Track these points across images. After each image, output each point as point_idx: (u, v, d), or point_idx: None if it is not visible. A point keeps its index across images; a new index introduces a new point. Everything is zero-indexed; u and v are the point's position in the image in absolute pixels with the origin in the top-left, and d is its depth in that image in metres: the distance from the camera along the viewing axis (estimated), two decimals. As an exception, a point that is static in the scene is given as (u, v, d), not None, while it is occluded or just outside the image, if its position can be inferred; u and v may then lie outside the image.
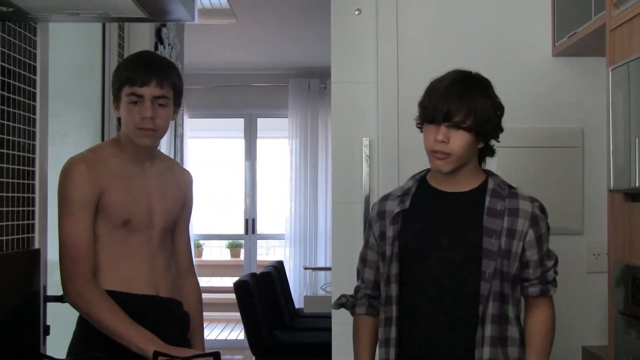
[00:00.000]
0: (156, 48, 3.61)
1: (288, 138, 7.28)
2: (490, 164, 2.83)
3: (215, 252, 9.24)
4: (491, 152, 2.16)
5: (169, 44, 3.88)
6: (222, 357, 2.00)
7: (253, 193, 7.55)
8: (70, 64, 2.85)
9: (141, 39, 3.33)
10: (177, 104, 2.27)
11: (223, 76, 7.31)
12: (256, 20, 5.66)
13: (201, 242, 8.56)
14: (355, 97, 2.96)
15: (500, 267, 2.04)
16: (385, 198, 2.23)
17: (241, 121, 7.57)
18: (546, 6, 2.88)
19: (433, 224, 2.12)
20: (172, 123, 4.20)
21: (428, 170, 2.18)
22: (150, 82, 2.15)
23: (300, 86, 7.28)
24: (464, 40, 2.88)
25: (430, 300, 2.09)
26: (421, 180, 2.19)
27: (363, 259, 2.27)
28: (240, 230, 7.68)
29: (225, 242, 8.96)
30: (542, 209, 2.12)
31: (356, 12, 2.94)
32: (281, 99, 7.27)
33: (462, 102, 2.02)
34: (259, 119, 7.56)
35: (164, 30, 3.79)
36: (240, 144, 7.56)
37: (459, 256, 2.07)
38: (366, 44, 2.94)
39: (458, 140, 2.03)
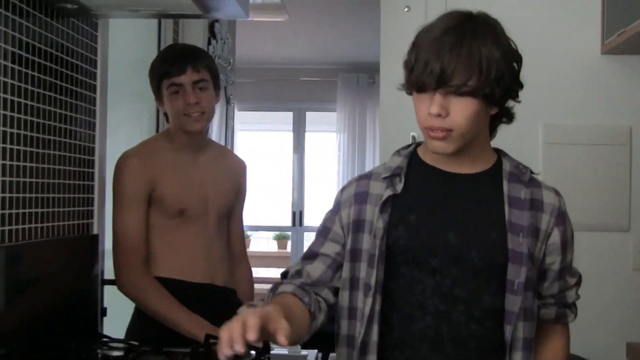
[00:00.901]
0: (209, 43, 3.70)
1: (336, 132, 7.34)
2: (536, 161, 2.88)
3: (262, 243, 9.34)
4: (508, 116, 1.60)
5: (221, 39, 3.97)
6: (270, 345, 2.07)
7: (301, 186, 7.62)
8: (127, 59, 2.95)
9: (195, 33, 3.42)
10: (217, 86, 2.33)
11: (273, 70, 7.39)
12: (307, 16, 5.72)
13: (249, 233, 8.67)
14: (403, 93, 2.99)
15: (531, 276, 1.55)
16: (366, 177, 1.64)
17: (290, 115, 7.65)
18: (596, 4, 2.88)
19: (434, 214, 1.56)
20: (222, 115, 4.30)
21: (419, 144, 1.66)
22: (186, 69, 2.22)
23: (348, 81, 7.33)
24: (513, 37, 2.90)
25: (433, 316, 1.53)
26: (412, 156, 1.63)
27: (311, 253, 1.63)
28: (288, 222, 7.78)
29: (272, 234, 9.05)
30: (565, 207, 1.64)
31: (405, 9, 2.98)
32: (330, 93, 7.33)
33: (460, 56, 1.44)
34: (307, 113, 7.63)
35: (217, 25, 3.87)
36: (289, 137, 7.64)
37: (473, 257, 1.53)
38: (415, 40, 2.97)
39: (460, 110, 1.46)
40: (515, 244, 1.52)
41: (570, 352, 2.88)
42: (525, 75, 2.80)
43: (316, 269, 1.59)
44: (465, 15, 1.52)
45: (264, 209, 7.96)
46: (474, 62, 1.44)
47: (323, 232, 1.63)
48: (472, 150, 1.56)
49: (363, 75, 7.32)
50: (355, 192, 1.62)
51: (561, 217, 1.59)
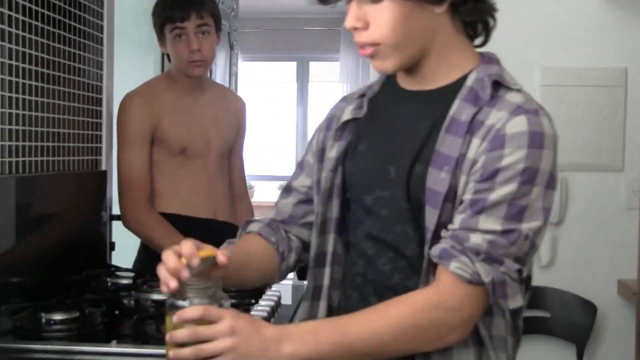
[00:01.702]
0: (213, -12, 3.72)
1: (340, 82, 7.36)
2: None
3: (267, 193, 9.42)
4: (477, 13, 1.29)
5: (224, -15, 3.99)
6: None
7: (304, 136, 7.67)
8: (131, 9, 2.99)
9: (198, -21, 3.44)
10: (218, 28, 2.38)
11: (276, 20, 7.39)
12: (310, -37, 5.70)
13: (252, 183, 8.73)
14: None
15: (447, 221, 1.25)
16: (344, 99, 1.49)
17: (294, 65, 7.66)
18: (595, -54, 2.91)
19: (382, 143, 1.35)
20: (227, 61, 4.34)
21: None
22: (190, 15, 2.27)
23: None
24: (511, -19, 2.94)
25: (364, 261, 1.36)
26: (390, 76, 1.41)
27: (287, 186, 1.51)
28: (292, 171, 7.84)
29: (276, 184, 9.12)
30: (535, 133, 1.21)
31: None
32: (333, 43, 7.33)
33: None
34: (311, 63, 7.64)
35: (220, -29, 3.89)
36: (292, 88, 7.67)
37: (400, 197, 1.30)
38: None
39: (379, 18, 1.24)
40: (434, 180, 1.25)
41: (563, 290, 2.98)
42: (522, 18, 2.87)
43: (286, 205, 1.48)
44: None
45: (268, 159, 8.02)
46: None
47: (301, 162, 1.51)
48: (431, 63, 1.30)
49: (366, 25, 7.32)
50: (328, 116, 1.48)
51: (497, 141, 1.21)
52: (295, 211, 1.47)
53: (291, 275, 1.76)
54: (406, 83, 1.36)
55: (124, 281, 2.06)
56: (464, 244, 1.21)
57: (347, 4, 1.27)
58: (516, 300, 1.23)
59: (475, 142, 1.23)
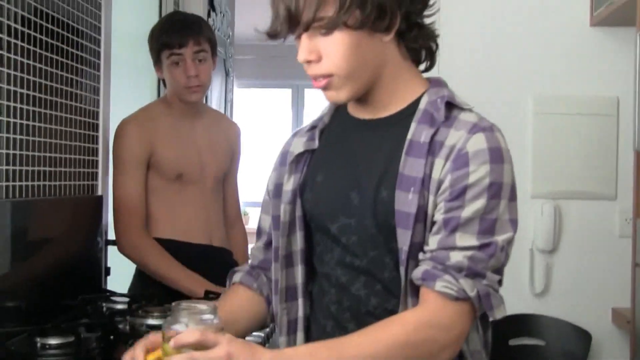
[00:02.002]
0: (209, 15, 3.76)
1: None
2: (525, 131, 2.95)
3: (261, 220, 9.41)
4: (424, 36, 1.33)
5: (220, 12, 4.03)
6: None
7: (299, 163, 7.70)
8: (128, 32, 3.00)
9: (195, 6, 3.48)
10: (214, 54, 2.40)
11: (271, 47, 7.43)
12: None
13: (247, 209, 8.71)
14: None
15: (421, 241, 1.27)
16: (294, 134, 1.50)
17: (289, 92, 7.70)
18: (586, -24, 2.96)
19: (341, 172, 1.36)
20: (222, 88, 4.37)
21: None
22: (187, 42, 2.28)
23: (347, 58, 7.38)
24: (504, 9, 2.97)
25: (336, 289, 1.36)
26: (340, 106, 1.43)
27: (258, 229, 1.52)
28: (286, 198, 7.85)
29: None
30: (494, 149, 1.25)
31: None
32: (328, 70, 7.38)
33: None
34: (306, 90, 7.68)
35: (217, -2, 3.94)
36: (288, 114, 7.70)
37: (367, 222, 1.31)
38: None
39: (332, 49, 1.25)
40: (402, 202, 1.26)
41: (557, 318, 2.99)
42: (516, 47, 2.91)
43: (258, 250, 1.51)
44: None
45: (263, 185, 8.04)
46: None
47: (263, 204, 1.50)
48: (382, 91, 1.33)
49: (361, 53, 7.37)
50: (282, 152, 1.49)
51: (461, 160, 1.24)
52: (267, 254, 1.49)
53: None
54: (358, 112, 1.38)
55: (119, 306, 2.06)
56: (445, 263, 1.23)
57: (297, 38, 1.29)
58: (501, 310, 1.26)
59: (439, 162, 1.26)
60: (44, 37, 2.00)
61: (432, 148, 1.27)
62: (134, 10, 3.14)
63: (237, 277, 1.49)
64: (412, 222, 1.25)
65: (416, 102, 1.33)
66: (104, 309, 2.06)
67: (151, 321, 1.81)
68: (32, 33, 1.94)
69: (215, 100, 4.12)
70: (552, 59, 2.94)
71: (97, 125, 2.38)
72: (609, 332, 2.91)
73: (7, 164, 1.84)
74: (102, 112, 2.40)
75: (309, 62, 1.28)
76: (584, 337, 2.84)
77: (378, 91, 1.33)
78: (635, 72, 2.38)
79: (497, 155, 1.25)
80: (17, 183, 1.89)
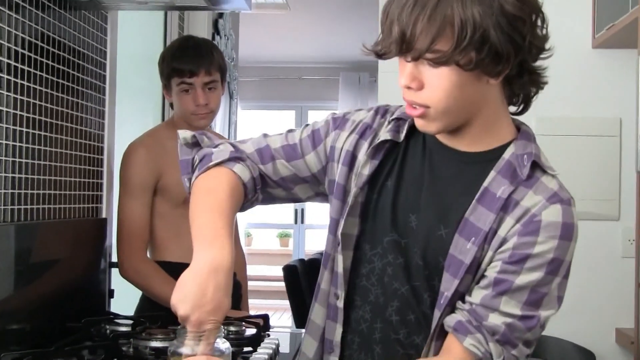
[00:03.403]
0: (213, 38, 3.79)
1: (338, 130, 7.40)
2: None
3: (264, 241, 9.40)
4: (533, 84, 1.29)
5: (225, 35, 4.06)
6: (269, 323, 2.14)
7: (303, 184, 7.71)
8: (132, 56, 3.02)
9: (200, 30, 3.51)
10: (224, 79, 2.40)
11: (275, 69, 7.48)
12: (308, 12, 5.81)
13: (251, 231, 8.72)
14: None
15: (465, 290, 1.26)
16: (380, 112, 1.44)
17: (292, 113, 7.74)
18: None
19: (410, 187, 1.33)
20: (226, 110, 4.39)
21: None
22: (199, 72, 2.26)
23: (350, 79, 7.43)
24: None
25: (371, 307, 1.34)
26: None
27: (292, 148, 1.44)
28: (290, 219, 7.86)
29: (275, 232, 9.11)
30: (567, 225, 1.23)
31: (403, 5, 3.07)
32: (332, 92, 7.43)
33: (423, 14, 1.15)
34: (309, 111, 7.72)
35: (221, 21, 3.97)
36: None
37: (416, 250, 1.30)
38: (412, 35, 3.07)
39: (435, 83, 1.20)
40: (459, 249, 1.24)
41: (561, 338, 2.98)
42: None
43: (283, 167, 1.43)
44: None
45: (266, 207, 8.07)
46: (442, 20, 1.15)
47: (314, 134, 1.43)
48: (472, 129, 1.29)
49: (364, 74, 7.41)
50: (365, 122, 1.41)
51: (532, 226, 1.21)
52: (289, 179, 1.44)
53: (289, 322, 1.77)
54: (442, 136, 1.34)
55: (123, 328, 2.05)
56: (481, 322, 1.23)
57: (404, 60, 1.23)
58: None
59: (509, 221, 1.24)
60: (49, 62, 2.02)
61: (506, 204, 1.24)
62: (138, 34, 3.16)
63: (231, 165, 1.41)
64: (463, 272, 1.23)
65: (501, 149, 1.29)
66: (108, 331, 2.06)
67: (155, 344, 1.81)
68: (38, 57, 1.96)
69: (219, 122, 4.14)
70: (555, 80, 2.89)
71: (102, 148, 2.40)
72: (612, 353, 2.90)
73: (13, 187, 1.85)
74: (107, 135, 2.42)
75: (409, 87, 1.23)
76: (587, 358, 2.83)
77: (468, 127, 1.29)
78: (637, 93, 2.39)
79: (568, 232, 1.23)
80: (22, 206, 1.90)
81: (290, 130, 1.47)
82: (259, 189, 1.44)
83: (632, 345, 2.63)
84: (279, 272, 5.27)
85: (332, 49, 7.00)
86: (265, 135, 1.48)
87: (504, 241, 1.23)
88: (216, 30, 3.88)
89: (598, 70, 2.96)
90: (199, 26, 3.52)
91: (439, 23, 1.14)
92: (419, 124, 1.27)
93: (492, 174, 1.26)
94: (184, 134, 1.49)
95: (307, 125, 1.47)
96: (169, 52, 2.35)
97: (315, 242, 9.17)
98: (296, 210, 7.84)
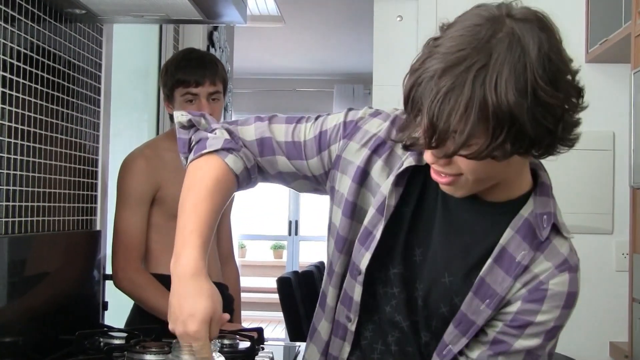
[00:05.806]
0: (208, 50, 3.80)
1: (332, 142, 7.42)
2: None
3: (258, 253, 9.39)
4: (567, 143, 1.20)
5: (219, 47, 4.07)
6: (263, 336, 2.14)
7: (296, 196, 7.72)
8: (127, 69, 3.03)
9: (195, 42, 3.52)
10: (225, 92, 2.42)
11: (269, 81, 7.50)
12: (303, 25, 5.84)
13: (245, 242, 8.72)
14: (395, 100, 3.10)
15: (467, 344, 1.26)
16: (397, 124, 1.29)
17: (286, 125, 7.74)
18: (580, 14, 3.00)
19: (420, 220, 1.28)
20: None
21: None
22: (204, 82, 2.28)
23: (344, 92, 7.44)
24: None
25: (372, 333, 1.35)
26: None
27: (296, 143, 1.36)
28: (283, 231, 7.86)
29: (268, 244, 9.11)
30: (571, 295, 1.23)
31: (398, 19, 3.09)
32: (326, 104, 7.43)
33: (456, 109, 1.04)
34: (303, 124, 7.73)
35: (215, 34, 3.98)
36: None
37: (417, 288, 1.28)
38: (407, 48, 3.09)
39: (467, 163, 1.12)
40: (472, 309, 1.22)
41: (556, 352, 2.98)
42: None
43: (283, 164, 1.37)
44: (487, 28, 1.07)
45: (260, 218, 8.05)
46: (476, 116, 1.04)
47: (321, 137, 1.34)
48: (496, 189, 1.23)
49: (359, 86, 7.43)
50: (379, 135, 1.30)
51: (538, 294, 1.21)
52: (288, 175, 1.39)
53: (283, 335, 1.77)
54: None
55: (117, 341, 2.05)
56: None
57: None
58: None
59: (516, 284, 1.22)
60: (45, 74, 2.03)
61: (520, 270, 1.22)
62: (134, 46, 3.17)
63: (228, 158, 1.37)
64: (474, 332, 1.23)
65: (518, 201, 1.24)
66: (102, 344, 2.05)
67: (149, 357, 1.81)
68: (33, 70, 1.96)
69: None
70: (548, 94, 2.97)
71: (97, 160, 2.40)
72: (607, 367, 2.91)
73: (7, 200, 1.85)
74: (102, 147, 2.42)
75: (441, 159, 1.14)
76: (582, 372, 2.83)
77: (492, 189, 1.24)
78: (631, 107, 2.41)
79: (571, 301, 1.24)
80: (17, 219, 1.90)
81: (299, 121, 1.38)
82: (254, 177, 1.40)
83: (626, 359, 2.64)
84: (272, 284, 5.26)
85: (326, 61, 7.02)
86: (271, 121, 1.40)
87: (507, 303, 1.23)
88: (211, 42, 3.89)
89: (591, 84, 2.95)
90: (194, 39, 3.52)
91: (473, 119, 1.04)
92: (446, 188, 1.20)
93: (509, 232, 1.22)
94: (180, 117, 1.44)
95: (318, 118, 1.38)
96: (173, 64, 2.35)
97: (309, 254, 9.18)
98: (290, 222, 7.84)
